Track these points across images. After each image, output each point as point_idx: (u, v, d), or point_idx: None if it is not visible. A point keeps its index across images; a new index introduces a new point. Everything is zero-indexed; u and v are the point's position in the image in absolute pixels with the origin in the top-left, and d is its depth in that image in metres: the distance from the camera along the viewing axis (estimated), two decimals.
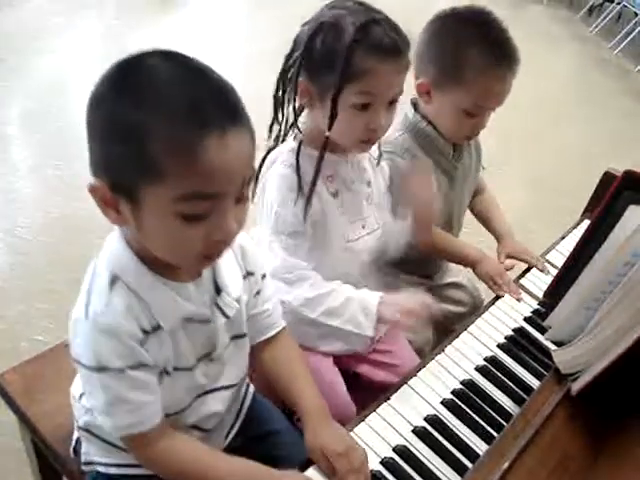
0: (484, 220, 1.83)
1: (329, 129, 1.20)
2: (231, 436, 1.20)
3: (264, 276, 1.11)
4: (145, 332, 0.90)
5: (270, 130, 1.29)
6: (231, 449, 1.19)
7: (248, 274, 1.06)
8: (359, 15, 1.15)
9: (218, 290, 0.98)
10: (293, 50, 1.23)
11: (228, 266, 1.00)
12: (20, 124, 3.19)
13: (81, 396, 1.06)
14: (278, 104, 1.27)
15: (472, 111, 1.48)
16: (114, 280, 0.89)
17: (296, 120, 1.29)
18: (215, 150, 0.76)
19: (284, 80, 1.25)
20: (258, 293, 1.10)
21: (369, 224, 1.37)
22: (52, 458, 1.22)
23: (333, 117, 1.19)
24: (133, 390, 0.90)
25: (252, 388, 1.26)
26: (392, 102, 1.22)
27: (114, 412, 0.91)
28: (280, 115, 1.28)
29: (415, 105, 1.58)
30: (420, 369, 1.22)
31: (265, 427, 1.24)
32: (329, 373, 1.33)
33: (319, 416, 1.06)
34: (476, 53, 1.41)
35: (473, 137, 1.61)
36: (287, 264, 1.26)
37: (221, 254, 0.89)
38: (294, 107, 1.27)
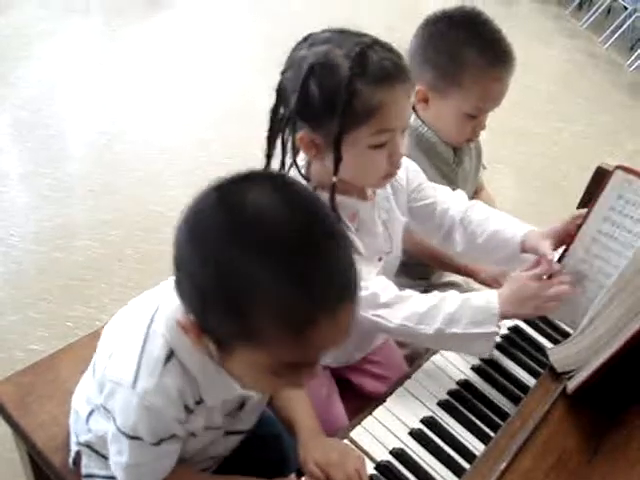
0: None
1: (335, 173, 1.09)
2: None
3: None
4: (188, 410, 0.90)
5: None
6: (237, 453, 1.19)
7: None
8: (347, 45, 1.04)
9: None
10: (279, 103, 1.12)
11: None
12: (10, 132, 3.17)
13: (89, 416, 1.05)
14: (269, 161, 1.15)
15: (473, 113, 1.47)
16: (169, 356, 0.87)
17: (300, 172, 1.17)
18: (325, 328, 0.73)
19: (273, 137, 1.13)
20: None
21: (385, 252, 1.30)
22: (48, 470, 1.20)
23: (339, 161, 1.08)
24: (158, 459, 0.93)
25: None
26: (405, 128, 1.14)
27: (132, 472, 0.94)
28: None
29: (414, 108, 1.56)
30: (415, 370, 1.22)
31: (269, 429, 1.24)
32: (326, 388, 1.31)
33: (311, 432, 1.06)
34: (474, 55, 1.41)
35: (474, 139, 1.60)
36: (379, 287, 1.16)
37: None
38: (282, 161, 1.16)
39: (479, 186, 1.83)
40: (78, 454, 1.13)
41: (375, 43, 1.06)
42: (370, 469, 1.04)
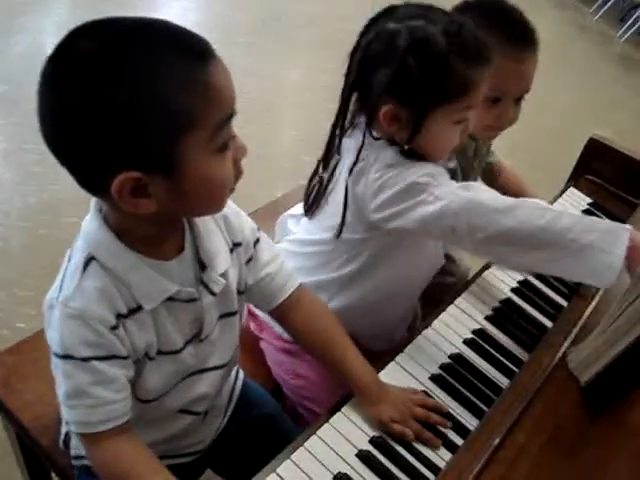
0: None
1: (408, 143, 1.14)
2: (226, 420, 1.19)
3: (257, 241, 1.06)
4: (120, 316, 0.86)
5: (325, 164, 1.24)
6: (226, 434, 1.19)
7: (235, 245, 1.01)
8: (441, 22, 1.09)
9: (203, 266, 0.94)
10: (361, 75, 1.14)
11: (212, 240, 0.96)
12: None
13: None
14: (334, 138, 1.22)
15: (493, 95, 1.37)
16: (89, 261, 0.85)
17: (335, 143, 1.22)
18: (218, 72, 0.78)
19: (345, 109, 1.18)
20: (250, 261, 1.05)
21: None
22: (36, 450, 1.19)
23: (416, 133, 1.13)
24: (96, 385, 0.86)
25: (242, 373, 1.24)
26: None
27: (74, 405, 0.87)
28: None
29: None
30: (407, 345, 1.20)
31: (257, 411, 1.23)
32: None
33: (375, 390, 1.07)
34: (493, 34, 1.31)
35: (497, 132, 1.50)
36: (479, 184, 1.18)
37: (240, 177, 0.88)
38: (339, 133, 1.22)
39: (499, 167, 1.79)
40: (67, 435, 1.11)
41: (465, 23, 1.11)
42: (364, 444, 1.03)
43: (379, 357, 1.18)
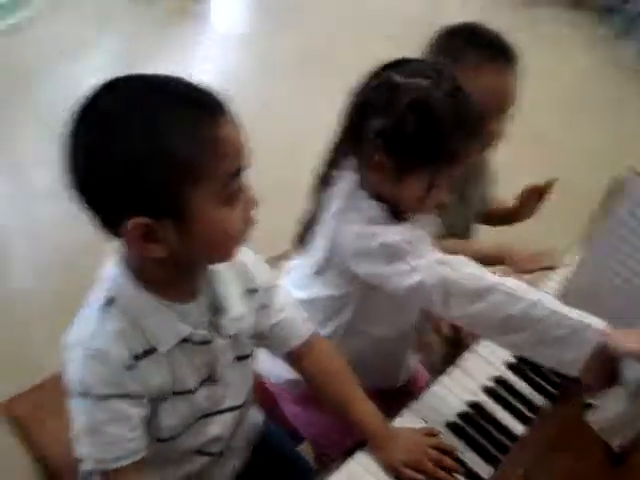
0: None
1: (408, 208, 1.16)
2: (243, 461, 1.20)
3: (273, 287, 1.09)
4: (136, 357, 0.89)
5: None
6: (243, 476, 1.20)
7: (250, 291, 1.04)
8: (445, 86, 1.09)
9: (217, 310, 0.98)
10: (361, 116, 1.14)
11: (227, 285, 0.99)
12: None
13: None
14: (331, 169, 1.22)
15: None
16: (109, 303, 0.89)
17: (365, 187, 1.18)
18: (228, 128, 0.82)
19: (346, 147, 1.18)
20: (265, 306, 1.08)
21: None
22: None
23: (424, 200, 1.15)
24: (112, 422, 0.88)
25: (260, 414, 1.25)
26: None
27: (89, 442, 0.90)
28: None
29: None
30: (424, 392, 1.21)
31: (274, 452, 1.24)
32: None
33: (384, 433, 1.09)
34: (471, 54, 1.35)
35: (487, 146, 1.47)
36: (459, 259, 1.11)
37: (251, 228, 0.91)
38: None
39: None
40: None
41: (469, 95, 1.11)
42: None
43: (389, 395, 1.19)
